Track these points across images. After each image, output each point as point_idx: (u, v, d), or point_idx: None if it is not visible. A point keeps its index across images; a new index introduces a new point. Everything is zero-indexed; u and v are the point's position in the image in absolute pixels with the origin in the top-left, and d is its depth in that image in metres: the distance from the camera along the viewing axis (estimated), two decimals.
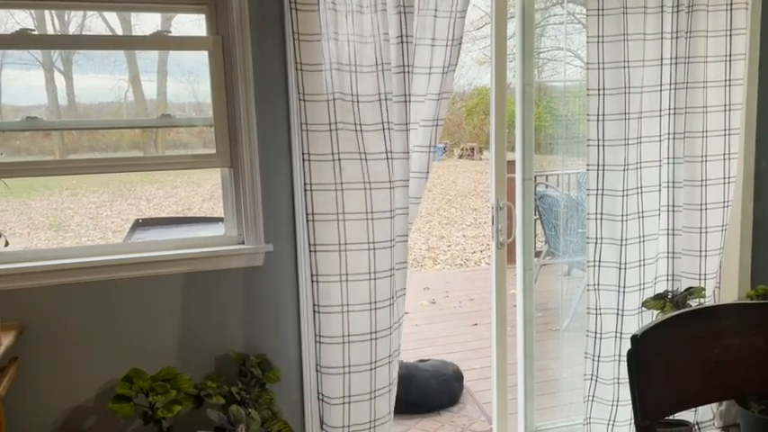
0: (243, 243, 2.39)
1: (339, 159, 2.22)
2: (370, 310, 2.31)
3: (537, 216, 4.56)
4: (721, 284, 2.84)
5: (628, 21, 2.44)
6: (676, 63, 2.57)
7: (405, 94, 2.26)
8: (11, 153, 2.44)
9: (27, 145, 2.63)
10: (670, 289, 2.69)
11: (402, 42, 2.21)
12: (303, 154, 2.21)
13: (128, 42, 2.39)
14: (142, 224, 5.15)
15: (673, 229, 2.72)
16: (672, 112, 2.62)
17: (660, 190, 2.64)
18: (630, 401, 1.52)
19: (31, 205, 9.34)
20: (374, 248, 2.28)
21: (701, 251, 2.68)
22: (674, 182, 2.68)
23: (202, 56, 2.30)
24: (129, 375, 2.17)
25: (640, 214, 2.60)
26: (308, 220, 2.24)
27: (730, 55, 2.60)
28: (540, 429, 2.98)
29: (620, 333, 2.63)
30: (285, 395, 2.48)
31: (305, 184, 2.23)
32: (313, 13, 2.13)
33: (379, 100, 2.22)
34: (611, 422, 2.67)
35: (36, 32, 2.22)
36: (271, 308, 2.44)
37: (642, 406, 1.50)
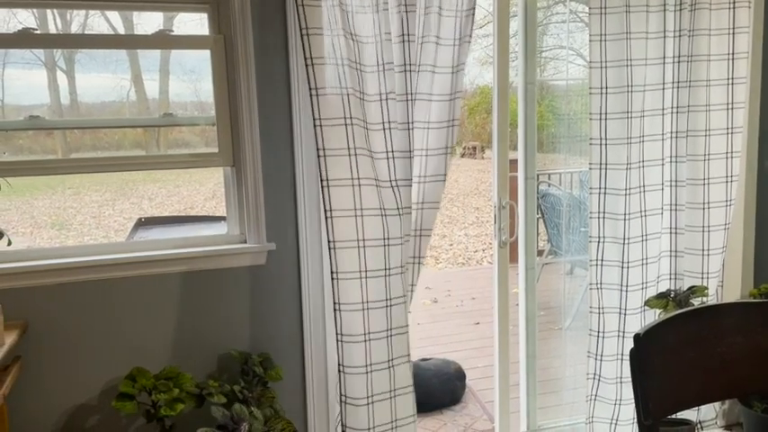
0: (245, 242, 2.40)
1: (356, 155, 2.20)
2: (386, 307, 2.29)
3: (539, 215, 4.55)
4: (724, 283, 2.83)
5: (630, 19, 2.44)
6: (679, 61, 2.57)
7: (406, 93, 2.25)
8: (14, 152, 2.45)
9: (30, 144, 2.64)
10: (673, 288, 2.69)
11: (404, 41, 2.20)
12: (318, 149, 2.17)
13: (130, 41, 2.39)
14: (145, 223, 5.15)
15: (675, 228, 2.71)
16: (675, 110, 2.62)
17: (663, 189, 2.64)
18: (633, 400, 1.52)
19: (33, 204, 9.36)
20: (389, 245, 2.27)
21: (703, 250, 2.68)
22: (676, 180, 2.68)
23: (204, 55, 2.30)
24: (133, 374, 2.17)
25: (643, 213, 2.59)
26: (326, 217, 2.21)
27: (733, 53, 2.59)
28: (543, 428, 2.98)
29: (623, 332, 2.62)
30: (287, 394, 2.48)
31: (321, 180, 2.19)
32: (319, 8, 2.12)
33: (380, 100, 2.21)
34: (613, 421, 2.67)
35: (38, 32, 2.22)
36: (273, 307, 2.44)
37: (645, 405, 1.50)
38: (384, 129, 2.23)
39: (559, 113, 3.29)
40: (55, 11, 2.68)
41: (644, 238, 2.60)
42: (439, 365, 3.54)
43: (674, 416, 2.30)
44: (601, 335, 2.63)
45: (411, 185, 2.33)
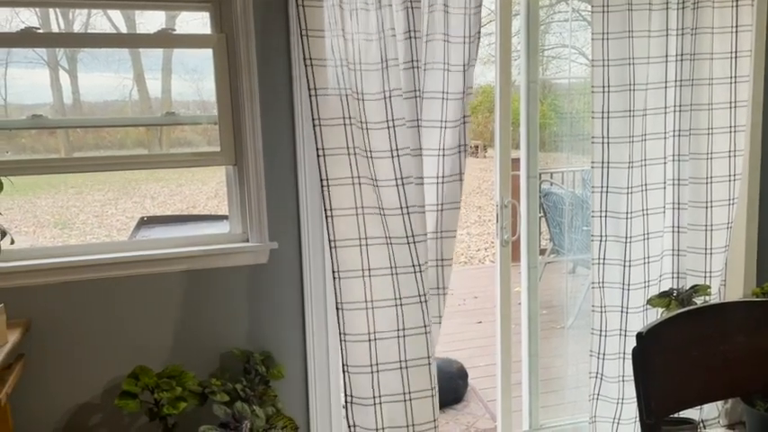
0: (247, 241, 2.40)
1: (356, 154, 2.20)
2: (395, 306, 2.28)
3: (542, 214, 4.55)
4: (727, 282, 2.83)
5: (633, 18, 2.44)
6: (681, 60, 2.56)
7: (414, 90, 2.24)
8: (16, 151, 2.45)
9: (32, 143, 2.64)
10: (675, 286, 2.69)
11: (410, 38, 2.19)
12: (318, 149, 2.18)
13: (132, 40, 2.39)
14: (147, 222, 5.15)
15: (678, 227, 2.71)
16: (677, 109, 2.61)
17: (665, 187, 2.64)
18: (635, 399, 1.52)
19: (36, 203, 9.37)
20: (391, 243, 2.26)
21: (706, 248, 2.67)
22: (679, 179, 2.68)
23: (206, 54, 2.30)
24: (135, 372, 2.18)
25: (645, 211, 2.59)
26: (326, 216, 2.21)
27: (736, 52, 2.59)
28: (545, 427, 2.97)
29: (625, 331, 2.62)
30: (290, 392, 2.48)
31: (321, 179, 2.20)
32: (320, 9, 2.12)
33: (384, 98, 2.21)
34: (616, 420, 2.67)
35: (41, 31, 2.22)
36: (275, 305, 2.45)
37: (647, 404, 1.49)
38: (389, 127, 2.22)
39: (562, 112, 3.29)
40: (57, 10, 2.69)
41: (646, 236, 2.60)
42: (441, 364, 3.54)
43: (676, 415, 2.30)
44: (603, 333, 2.63)
45: (414, 184, 2.32)
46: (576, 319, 3.49)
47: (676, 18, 2.52)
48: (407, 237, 2.26)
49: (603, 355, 2.64)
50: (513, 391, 2.84)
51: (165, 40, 2.34)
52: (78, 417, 2.30)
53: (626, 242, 2.56)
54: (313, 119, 2.17)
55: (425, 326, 2.32)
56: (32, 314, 2.21)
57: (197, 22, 2.41)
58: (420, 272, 2.28)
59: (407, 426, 2.34)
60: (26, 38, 2.18)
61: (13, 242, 2.14)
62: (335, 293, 2.26)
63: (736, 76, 2.61)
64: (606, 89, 2.48)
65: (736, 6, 2.55)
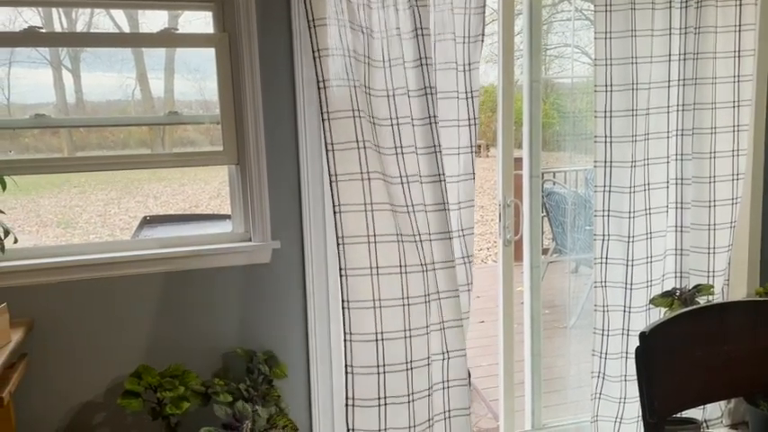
0: (250, 240, 2.40)
1: (365, 148, 2.18)
2: (403, 306, 2.25)
3: (544, 213, 4.54)
4: (730, 282, 2.83)
5: (636, 17, 2.43)
6: (685, 59, 2.56)
7: (424, 87, 2.23)
8: (20, 151, 2.46)
9: (35, 143, 2.64)
10: (678, 286, 2.68)
11: (417, 36, 2.19)
12: (327, 144, 2.15)
13: (135, 40, 2.39)
14: (150, 221, 5.16)
15: (681, 226, 2.71)
16: (680, 108, 2.61)
17: (668, 187, 2.63)
18: (637, 398, 1.52)
19: (39, 203, 9.38)
20: (402, 241, 2.25)
21: (709, 248, 2.67)
22: (682, 178, 2.67)
23: (209, 53, 2.31)
24: (138, 371, 2.18)
25: (648, 211, 2.59)
26: (335, 212, 2.19)
27: (739, 51, 2.58)
28: (547, 427, 2.97)
29: (628, 330, 2.62)
30: (293, 391, 2.48)
31: (330, 175, 2.18)
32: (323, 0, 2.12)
33: (387, 96, 2.21)
34: (618, 419, 2.66)
35: (44, 30, 2.23)
36: (278, 304, 2.45)
37: (650, 403, 1.49)
38: (392, 125, 2.22)
39: (564, 111, 3.28)
40: (60, 9, 2.69)
41: (648, 235, 2.60)
42: None
43: (679, 414, 2.29)
44: (605, 333, 2.63)
45: (418, 183, 2.32)
46: (579, 319, 3.48)
47: (679, 17, 2.52)
48: (412, 235, 2.26)
49: (606, 354, 2.64)
50: (516, 391, 2.84)
51: (168, 39, 2.34)
52: (81, 416, 2.31)
53: (629, 241, 2.56)
54: (321, 113, 2.14)
55: (426, 326, 2.31)
56: (35, 313, 2.22)
57: (200, 21, 2.41)
58: (425, 271, 2.27)
59: (409, 427, 2.33)
60: (29, 37, 2.18)
61: (16, 241, 2.14)
62: (342, 291, 2.23)
63: (739, 75, 2.60)
64: (609, 88, 2.48)
65: (740, 5, 2.55)
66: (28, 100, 2.38)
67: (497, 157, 2.69)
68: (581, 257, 3.74)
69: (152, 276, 2.31)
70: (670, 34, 2.51)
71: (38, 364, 2.24)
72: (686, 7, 2.51)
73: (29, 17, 2.33)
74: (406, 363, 2.29)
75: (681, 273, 2.74)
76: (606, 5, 2.42)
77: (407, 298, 2.26)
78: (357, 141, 2.16)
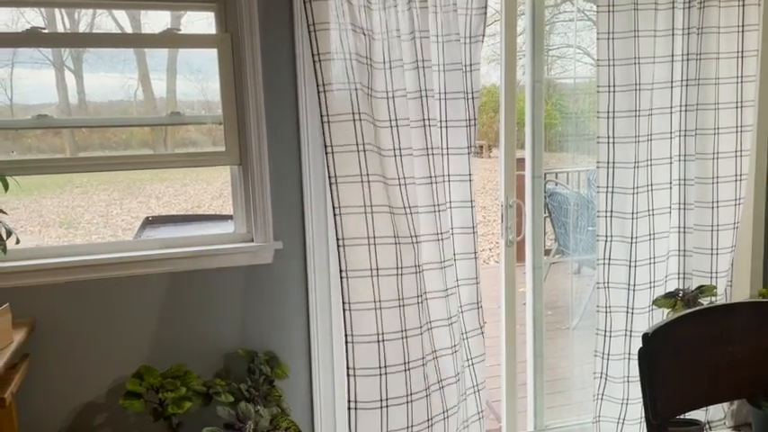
0: (252, 240, 2.40)
1: (365, 151, 2.17)
2: (399, 306, 2.25)
3: (547, 214, 4.54)
4: (733, 283, 2.82)
5: (638, 17, 2.43)
6: (687, 59, 2.55)
7: (420, 90, 2.23)
8: (22, 151, 2.46)
9: (38, 143, 2.65)
10: (681, 287, 2.68)
11: (415, 38, 2.19)
12: (326, 146, 2.15)
13: (137, 40, 2.39)
14: (152, 222, 5.17)
15: (684, 227, 2.70)
16: (683, 108, 2.60)
17: (671, 187, 2.63)
18: (640, 400, 1.51)
19: (41, 203, 9.39)
20: (399, 243, 2.25)
21: (712, 249, 2.66)
22: (685, 179, 2.67)
23: (211, 54, 2.31)
24: (140, 372, 2.18)
25: (651, 212, 2.58)
26: (334, 214, 2.18)
27: (742, 51, 2.58)
28: (550, 428, 2.97)
29: (630, 331, 2.61)
30: (294, 392, 2.48)
31: (329, 177, 2.17)
32: (326, 3, 2.11)
33: (387, 98, 2.21)
34: (620, 420, 2.66)
35: (46, 31, 2.23)
36: (280, 305, 2.45)
37: (653, 405, 1.49)
38: (391, 126, 2.22)
39: (567, 112, 3.28)
40: (62, 10, 2.69)
41: (651, 236, 2.59)
42: None
43: (682, 416, 2.29)
44: (608, 334, 2.62)
45: (416, 185, 2.32)
46: (582, 320, 3.47)
47: (682, 17, 2.51)
48: (410, 236, 2.26)
49: (608, 355, 2.63)
50: (519, 392, 2.84)
51: (170, 39, 2.34)
52: (83, 416, 2.31)
53: (631, 242, 2.55)
54: (321, 115, 2.14)
55: (420, 326, 2.31)
56: (37, 314, 2.22)
57: (202, 21, 2.41)
58: (418, 272, 2.27)
59: (408, 427, 2.32)
60: (31, 38, 2.18)
61: (18, 242, 2.14)
62: (342, 293, 2.23)
63: (742, 76, 2.59)
64: (612, 89, 2.47)
65: (743, 6, 2.54)
66: (30, 100, 2.38)
67: (500, 158, 2.69)
68: (584, 258, 3.73)
69: (154, 277, 2.31)
70: (673, 35, 2.51)
71: (40, 365, 2.24)
72: (689, 8, 2.50)
73: (31, 18, 2.33)
74: (404, 363, 2.29)
75: (684, 274, 2.74)
76: (609, 6, 2.42)
77: (413, 297, 2.26)
78: (357, 144, 2.16)
